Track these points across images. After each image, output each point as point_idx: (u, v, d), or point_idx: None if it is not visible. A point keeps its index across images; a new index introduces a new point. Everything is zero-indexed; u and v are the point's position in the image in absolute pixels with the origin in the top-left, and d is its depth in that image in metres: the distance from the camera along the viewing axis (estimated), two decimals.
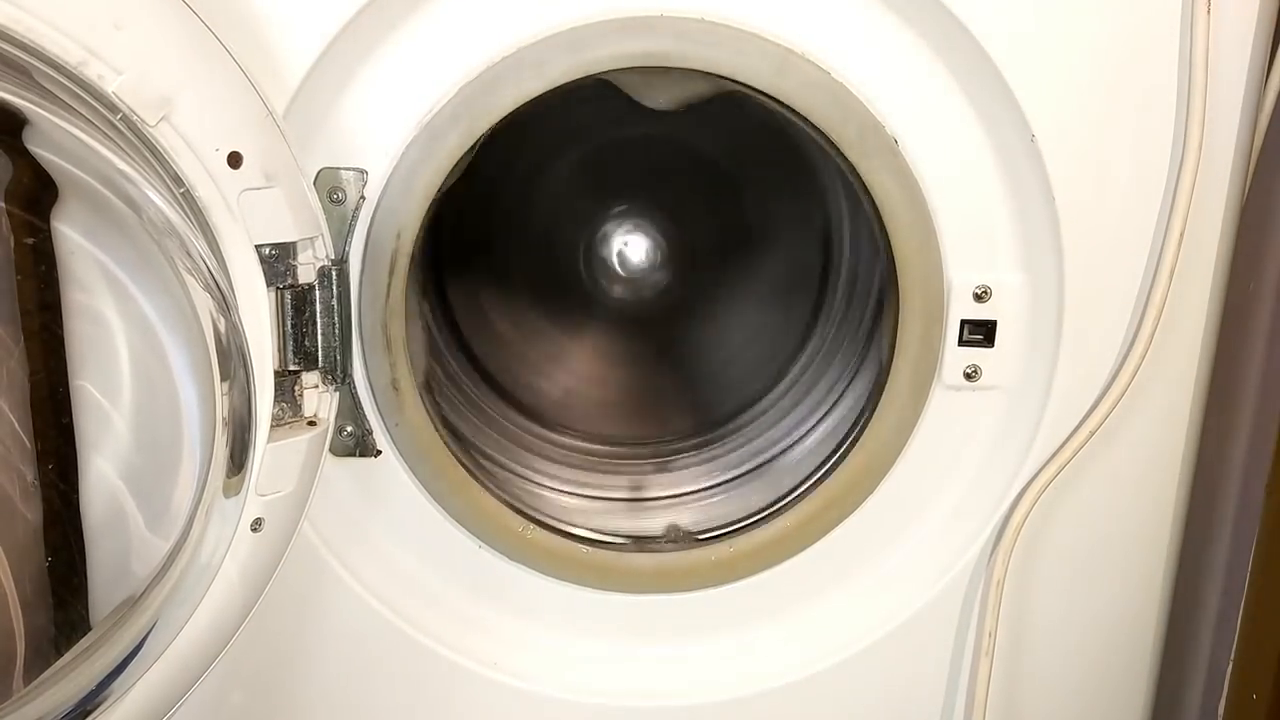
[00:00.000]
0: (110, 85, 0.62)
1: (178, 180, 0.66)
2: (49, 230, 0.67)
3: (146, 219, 0.64)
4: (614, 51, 0.77)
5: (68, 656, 0.69)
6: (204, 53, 0.66)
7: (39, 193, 0.65)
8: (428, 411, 0.86)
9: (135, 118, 0.63)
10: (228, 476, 0.69)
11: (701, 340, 1.19)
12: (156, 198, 0.63)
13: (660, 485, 1.07)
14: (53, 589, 0.74)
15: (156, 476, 0.71)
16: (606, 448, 1.13)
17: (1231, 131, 0.78)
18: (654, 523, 1.00)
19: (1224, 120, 0.78)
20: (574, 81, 0.78)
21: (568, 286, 1.16)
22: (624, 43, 0.77)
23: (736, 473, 1.05)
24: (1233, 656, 0.86)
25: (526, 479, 1.04)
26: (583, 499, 1.04)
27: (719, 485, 1.05)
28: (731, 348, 1.19)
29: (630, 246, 1.14)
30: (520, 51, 0.77)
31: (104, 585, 0.72)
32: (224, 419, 0.68)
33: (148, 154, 0.66)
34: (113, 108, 0.63)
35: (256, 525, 0.75)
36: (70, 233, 0.67)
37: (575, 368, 1.19)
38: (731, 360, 1.18)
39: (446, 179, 0.80)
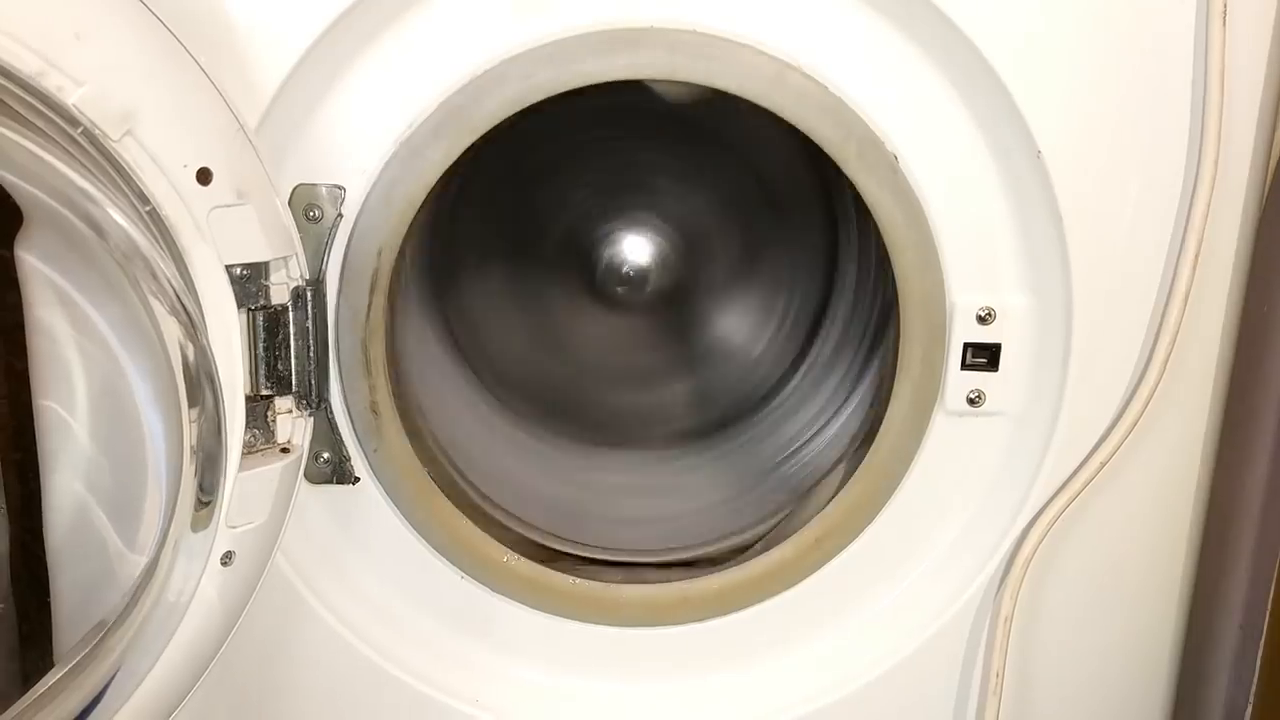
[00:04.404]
0: (70, 97, 0.59)
1: (143, 198, 0.64)
2: (11, 255, 0.65)
3: (109, 240, 0.61)
4: (602, 66, 0.74)
5: (27, 699, 0.66)
6: (171, 64, 0.64)
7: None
8: (409, 436, 0.83)
9: (97, 132, 0.61)
10: (196, 509, 0.67)
11: (700, 345, 1.18)
12: (120, 217, 0.61)
13: (654, 494, 1.06)
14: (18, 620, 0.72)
15: (123, 507, 0.69)
16: (604, 449, 1.13)
17: (1247, 147, 0.76)
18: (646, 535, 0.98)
19: (1240, 135, 0.76)
20: None
21: (568, 288, 1.15)
22: (612, 56, 0.74)
23: (736, 486, 1.05)
24: (1252, 698, 0.83)
25: (518, 486, 1.02)
26: (573, 505, 1.03)
27: (716, 500, 1.04)
28: (731, 354, 1.17)
29: (628, 252, 1.12)
30: (504, 64, 0.74)
31: (71, 613, 0.70)
32: (192, 447, 0.65)
33: (111, 171, 0.63)
34: (73, 121, 0.60)
35: (227, 559, 0.72)
36: (30, 258, 0.65)
37: (572, 369, 1.18)
38: (731, 366, 1.17)
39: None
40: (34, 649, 0.76)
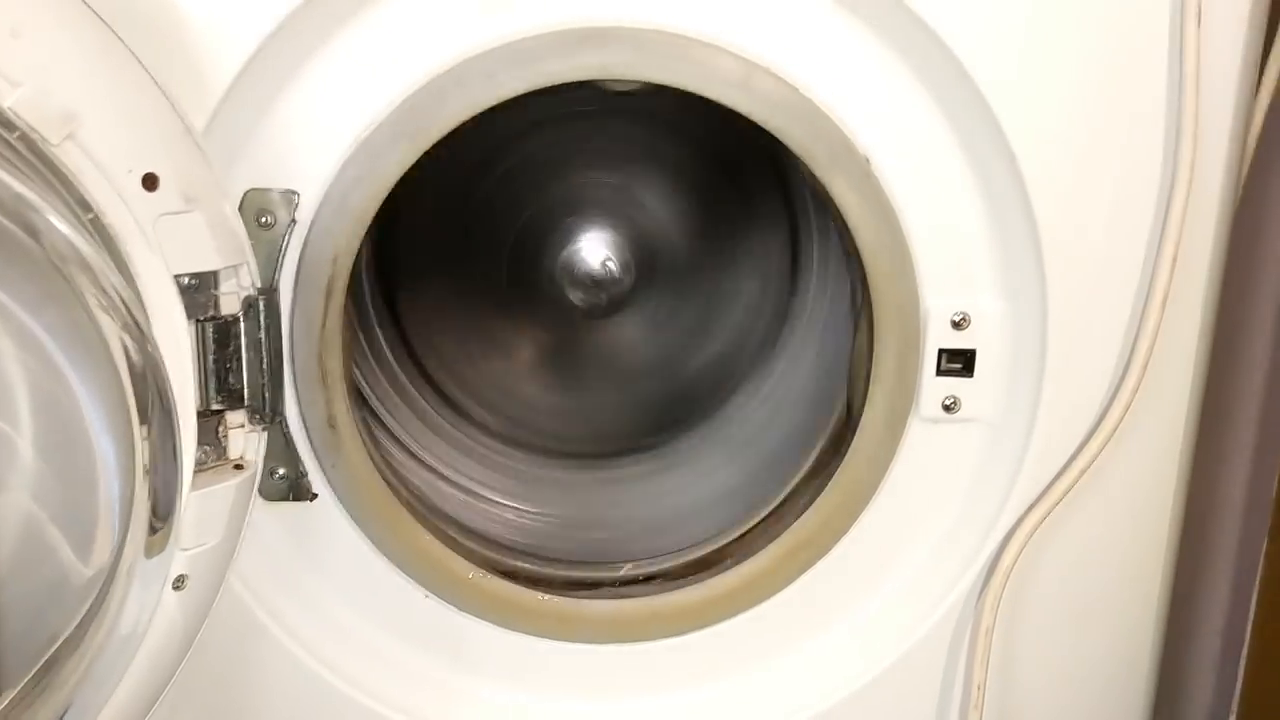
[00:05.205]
0: (6, 99, 0.57)
1: (85, 205, 0.61)
2: None
3: (52, 250, 0.58)
4: (568, 65, 0.72)
5: None
6: (114, 64, 0.62)
7: None
8: (367, 449, 0.81)
9: (36, 136, 0.58)
10: (150, 533, 0.64)
11: (663, 350, 1.16)
12: (62, 225, 0.58)
13: (617, 504, 1.04)
14: None
15: (74, 521, 0.64)
16: (562, 461, 1.11)
17: (1222, 149, 0.76)
18: (613, 546, 0.97)
19: (1215, 137, 0.75)
20: None
21: (525, 293, 1.12)
22: (578, 55, 0.72)
23: (699, 491, 1.03)
24: (1235, 707, 0.83)
25: (480, 498, 1.01)
26: (540, 520, 1.01)
27: (681, 502, 1.03)
28: (695, 358, 1.16)
29: (591, 257, 1.10)
30: (466, 63, 0.72)
31: (21, 631, 0.65)
32: (145, 468, 0.62)
33: (51, 176, 0.60)
34: (9, 125, 0.57)
35: (179, 583, 0.69)
36: None
37: (531, 379, 1.16)
38: (695, 372, 1.15)
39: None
40: None
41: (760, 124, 0.75)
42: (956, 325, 0.80)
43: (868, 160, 0.76)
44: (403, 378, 1.08)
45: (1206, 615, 0.86)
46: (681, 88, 0.74)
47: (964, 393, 0.81)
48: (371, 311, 1.07)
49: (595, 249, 1.10)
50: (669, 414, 1.13)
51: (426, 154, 0.75)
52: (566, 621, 0.86)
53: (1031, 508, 0.82)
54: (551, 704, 0.88)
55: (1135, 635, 0.87)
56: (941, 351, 0.80)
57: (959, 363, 0.81)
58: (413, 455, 1.01)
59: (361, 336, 1.05)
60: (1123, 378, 0.79)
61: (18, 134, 0.58)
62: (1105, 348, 0.79)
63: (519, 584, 0.87)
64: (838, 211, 0.77)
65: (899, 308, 0.79)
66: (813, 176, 0.77)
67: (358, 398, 0.85)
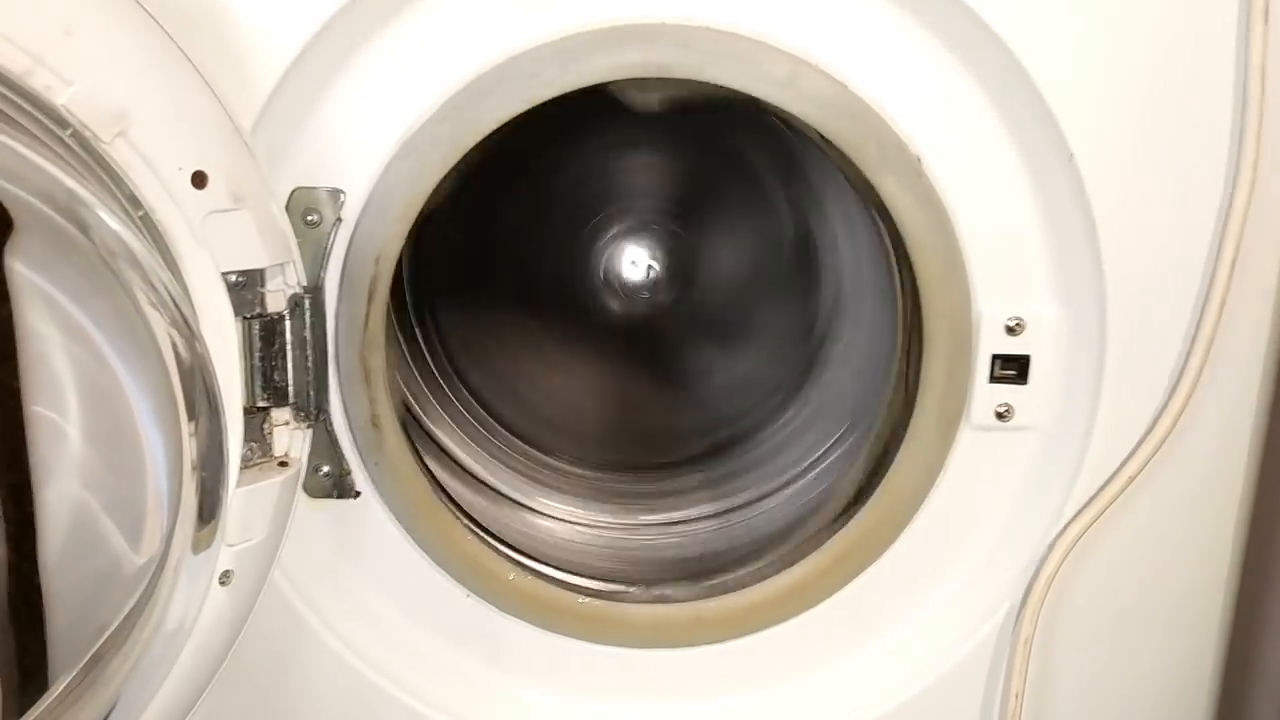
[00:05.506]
0: (59, 97, 0.57)
1: (135, 202, 0.62)
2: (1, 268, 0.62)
3: (102, 245, 0.59)
4: (612, 62, 0.72)
5: None
6: (164, 62, 0.62)
7: None
8: (411, 448, 0.81)
9: (88, 133, 0.59)
10: (198, 529, 0.64)
11: (705, 362, 1.16)
12: (113, 221, 0.59)
13: (664, 510, 1.04)
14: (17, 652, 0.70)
15: (124, 508, 0.65)
16: (607, 473, 1.10)
17: None
18: (657, 553, 0.96)
19: (1279, 138, 0.73)
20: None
21: (565, 307, 1.13)
22: (622, 53, 0.72)
23: (742, 500, 1.03)
24: None
25: (526, 508, 1.01)
26: (584, 528, 1.01)
27: (724, 514, 1.02)
28: (737, 370, 1.15)
29: (630, 265, 1.11)
30: (510, 62, 0.72)
31: (71, 620, 0.66)
32: (193, 463, 0.62)
33: (102, 173, 0.61)
34: (62, 122, 0.58)
35: (225, 578, 0.70)
36: (20, 267, 0.62)
37: (574, 391, 1.17)
38: (737, 384, 1.15)
39: (431, 199, 0.75)
40: (33, 682, 0.74)
41: (808, 122, 0.74)
42: (1010, 331, 0.78)
43: (919, 160, 0.74)
44: (444, 386, 1.09)
45: (1271, 631, 0.82)
46: (728, 86, 0.73)
47: (1018, 400, 0.79)
48: (413, 322, 1.08)
49: (637, 260, 1.10)
50: (711, 432, 1.13)
51: (471, 163, 0.75)
52: (608, 625, 0.86)
53: (1076, 516, 0.79)
54: (591, 706, 0.87)
55: (1191, 651, 0.84)
56: (995, 357, 0.78)
57: (1013, 369, 0.78)
58: (455, 461, 1.02)
59: (404, 345, 1.05)
60: (1176, 384, 0.76)
61: (70, 131, 0.58)
62: (1165, 354, 0.77)
63: (558, 586, 0.86)
64: (887, 213, 0.76)
65: (950, 312, 0.77)
66: (860, 177, 0.76)
67: (401, 404, 0.85)
